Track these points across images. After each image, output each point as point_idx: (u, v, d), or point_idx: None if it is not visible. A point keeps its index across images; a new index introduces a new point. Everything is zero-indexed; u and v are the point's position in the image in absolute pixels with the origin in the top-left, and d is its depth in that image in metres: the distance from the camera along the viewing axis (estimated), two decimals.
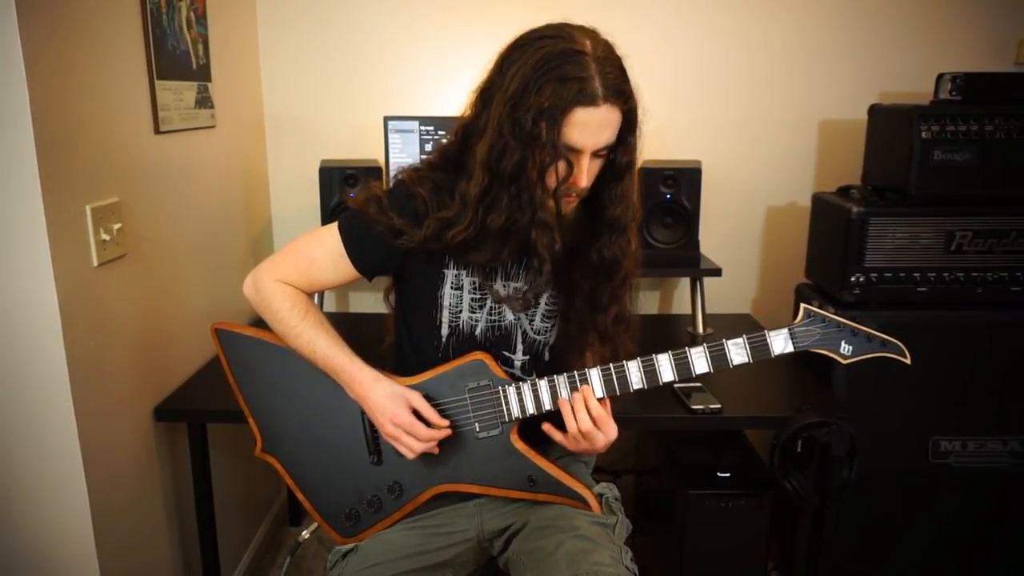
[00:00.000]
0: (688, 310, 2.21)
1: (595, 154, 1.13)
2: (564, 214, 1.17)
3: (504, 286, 1.25)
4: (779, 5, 2.20)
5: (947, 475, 1.87)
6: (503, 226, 1.14)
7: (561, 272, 1.25)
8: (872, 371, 1.78)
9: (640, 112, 1.14)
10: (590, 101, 1.06)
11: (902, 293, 1.83)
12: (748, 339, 1.17)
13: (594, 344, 1.29)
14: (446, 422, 1.22)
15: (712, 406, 1.60)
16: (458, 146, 1.21)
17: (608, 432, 1.19)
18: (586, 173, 1.12)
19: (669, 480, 1.84)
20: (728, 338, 1.18)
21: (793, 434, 1.55)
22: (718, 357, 1.18)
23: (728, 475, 1.78)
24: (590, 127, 1.08)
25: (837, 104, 2.24)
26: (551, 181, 1.12)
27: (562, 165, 1.10)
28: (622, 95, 1.09)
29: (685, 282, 2.35)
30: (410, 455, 1.22)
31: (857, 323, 1.17)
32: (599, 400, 1.19)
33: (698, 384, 1.69)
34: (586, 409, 1.17)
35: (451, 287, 1.25)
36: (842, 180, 2.07)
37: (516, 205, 1.13)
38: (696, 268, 2.10)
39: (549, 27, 1.12)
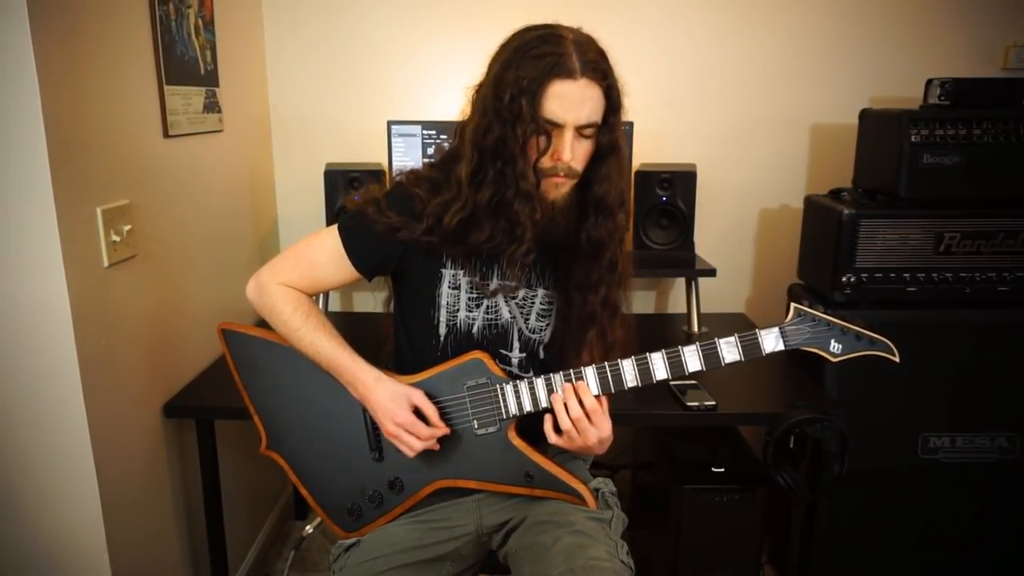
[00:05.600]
0: (683, 310, 2.24)
1: (580, 133, 1.14)
2: (557, 200, 1.19)
3: (499, 285, 1.28)
4: (772, 12, 2.23)
5: (936, 470, 1.90)
6: (491, 200, 1.16)
7: (560, 268, 1.27)
8: (863, 369, 1.81)
9: (624, 98, 1.17)
10: (567, 74, 1.09)
11: (892, 293, 1.85)
12: (740, 338, 1.18)
13: (591, 343, 1.30)
14: (444, 427, 1.24)
15: (707, 403, 1.63)
16: (457, 144, 1.24)
17: (601, 426, 1.19)
18: (569, 147, 1.12)
19: (665, 475, 1.87)
20: (721, 337, 1.19)
21: (786, 430, 1.57)
22: (710, 355, 1.19)
23: (723, 470, 1.80)
24: (569, 99, 1.10)
25: (829, 109, 2.27)
26: (533, 155, 1.14)
27: (543, 139, 1.13)
28: (600, 72, 1.12)
29: (680, 282, 2.38)
30: (411, 453, 1.24)
31: (846, 322, 1.17)
32: (595, 397, 1.20)
33: (693, 382, 1.72)
34: (577, 399, 1.18)
35: (448, 286, 1.27)
36: (833, 183, 2.10)
37: (502, 179, 1.15)
38: (691, 269, 2.13)
39: (534, 24, 1.17)
